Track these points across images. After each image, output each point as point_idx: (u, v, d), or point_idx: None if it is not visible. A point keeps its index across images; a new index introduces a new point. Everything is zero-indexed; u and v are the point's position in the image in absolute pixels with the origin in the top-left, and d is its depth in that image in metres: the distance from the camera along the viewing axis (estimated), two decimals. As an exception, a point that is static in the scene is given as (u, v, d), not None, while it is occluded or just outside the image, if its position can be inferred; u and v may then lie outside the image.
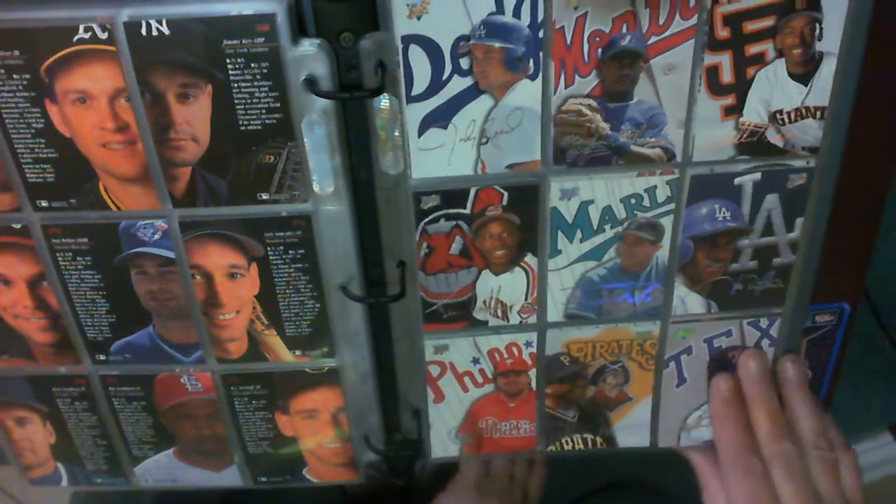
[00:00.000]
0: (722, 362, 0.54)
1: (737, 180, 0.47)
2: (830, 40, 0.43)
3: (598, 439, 0.57)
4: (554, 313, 0.52)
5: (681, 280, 0.51)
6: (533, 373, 0.54)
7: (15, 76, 0.42)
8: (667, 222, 0.49)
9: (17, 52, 0.42)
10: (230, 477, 0.58)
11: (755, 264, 0.50)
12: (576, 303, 0.51)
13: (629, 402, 0.55)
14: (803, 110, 0.45)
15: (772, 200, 0.48)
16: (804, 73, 0.44)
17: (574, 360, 0.53)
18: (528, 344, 0.53)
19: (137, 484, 0.58)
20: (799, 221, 0.49)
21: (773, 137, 0.46)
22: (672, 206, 0.48)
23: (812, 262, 0.50)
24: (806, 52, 0.44)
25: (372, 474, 0.58)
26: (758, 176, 0.47)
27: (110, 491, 0.59)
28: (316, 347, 0.52)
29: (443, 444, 0.56)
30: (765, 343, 0.53)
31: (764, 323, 0.52)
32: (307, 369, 0.53)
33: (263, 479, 0.58)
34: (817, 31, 0.43)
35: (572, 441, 0.57)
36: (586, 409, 0.56)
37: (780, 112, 0.45)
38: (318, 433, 0.55)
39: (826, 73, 0.44)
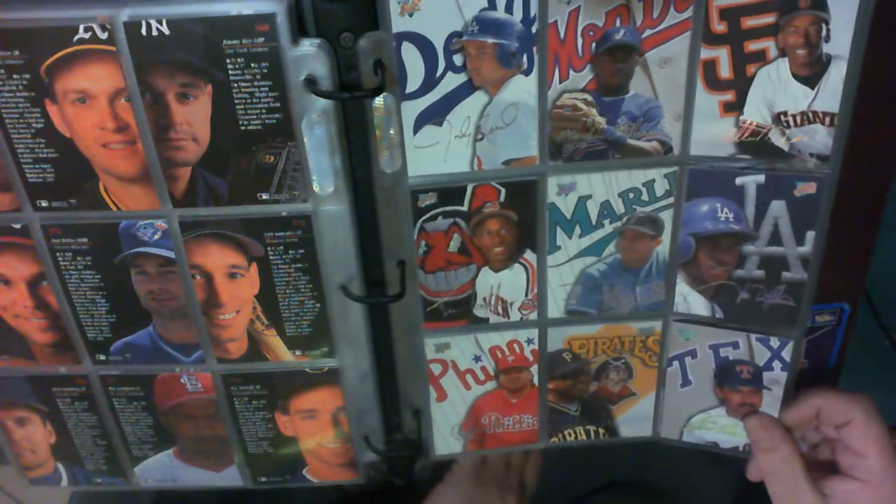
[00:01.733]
0: (729, 374, 0.53)
1: (738, 180, 0.46)
2: (839, 43, 0.41)
3: (601, 430, 0.57)
4: (555, 309, 0.51)
5: (683, 278, 0.50)
6: (535, 369, 0.54)
7: (15, 76, 0.42)
8: (666, 217, 0.48)
9: (17, 52, 0.42)
10: (230, 477, 0.58)
11: (762, 274, 0.49)
12: (576, 299, 0.51)
13: (632, 396, 0.55)
14: (810, 115, 0.44)
15: (779, 208, 0.46)
16: (810, 75, 0.43)
17: (576, 356, 0.53)
18: (529, 341, 0.53)
19: (137, 484, 0.58)
20: (810, 236, 0.47)
21: (778, 140, 0.45)
22: (671, 199, 0.48)
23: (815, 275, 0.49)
24: (812, 54, 0.42)
25: (372, 474, 0.58)
26: (761, 178, 0.46)
27: (110, 491, 0.59)
28: (316, 347, 0.52)
29: (446, 441, 0.56)
30: (776, 365, 0.51)
31: (775, 343, 0.51)
32: (307, 369, 0.53)
33: (263, 479, 0.58)
34: (824, 32, 0.41)
35: (574, 433, 0.57)
36: (589, 403, 0.56)
37: (785, 114, 0.44)
38: (318, 433, 0.55)
39: (835, 77, 0.42)
